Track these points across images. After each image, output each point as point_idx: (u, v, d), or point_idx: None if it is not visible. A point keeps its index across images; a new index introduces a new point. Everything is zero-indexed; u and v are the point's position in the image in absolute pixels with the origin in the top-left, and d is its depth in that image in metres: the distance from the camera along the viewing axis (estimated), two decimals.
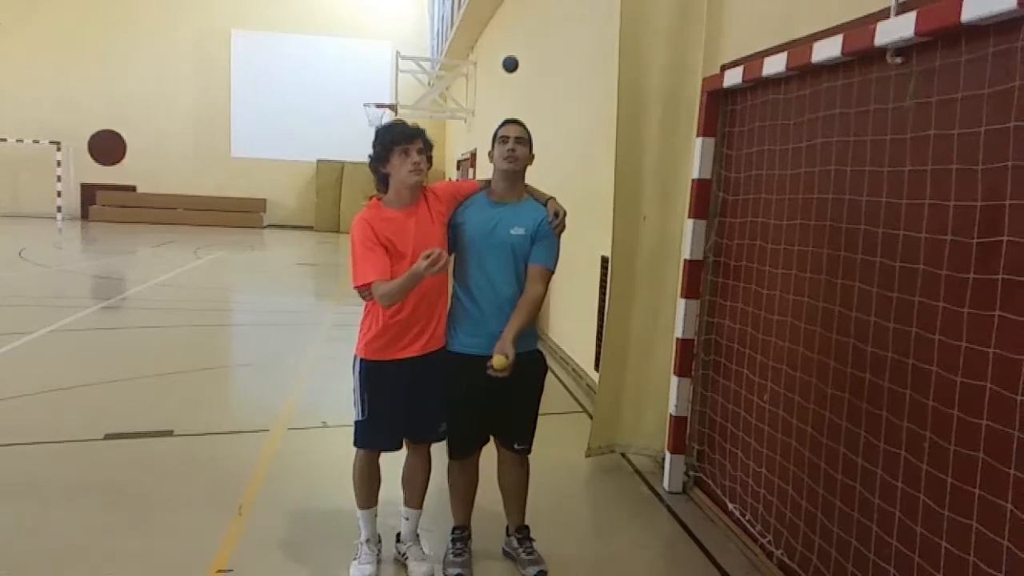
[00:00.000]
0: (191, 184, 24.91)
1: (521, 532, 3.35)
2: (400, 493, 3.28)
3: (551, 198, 3.17)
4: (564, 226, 3.12)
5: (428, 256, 2.68)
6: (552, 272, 3.12)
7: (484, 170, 12.26)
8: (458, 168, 18.82)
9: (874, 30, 2.58)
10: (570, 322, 7.36)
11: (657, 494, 4.24)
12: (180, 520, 3.63)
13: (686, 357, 4.14)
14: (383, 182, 3.00)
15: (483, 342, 3.05)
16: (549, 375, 3.31)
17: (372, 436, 3.10)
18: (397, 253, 2.93)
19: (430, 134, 3.08)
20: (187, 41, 24.77)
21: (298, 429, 5.11)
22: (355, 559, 3.20)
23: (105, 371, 6.31)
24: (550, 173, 5.92)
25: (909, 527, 2.49)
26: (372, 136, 3.02)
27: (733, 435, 3.77)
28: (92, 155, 24.86)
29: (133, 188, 24.95)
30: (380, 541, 3.30)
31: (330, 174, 24.42)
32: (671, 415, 4.21)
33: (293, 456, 4.60)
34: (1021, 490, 2.06)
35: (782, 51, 3.21)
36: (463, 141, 18.27)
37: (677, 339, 4.15)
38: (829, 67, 2.99)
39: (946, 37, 2.37)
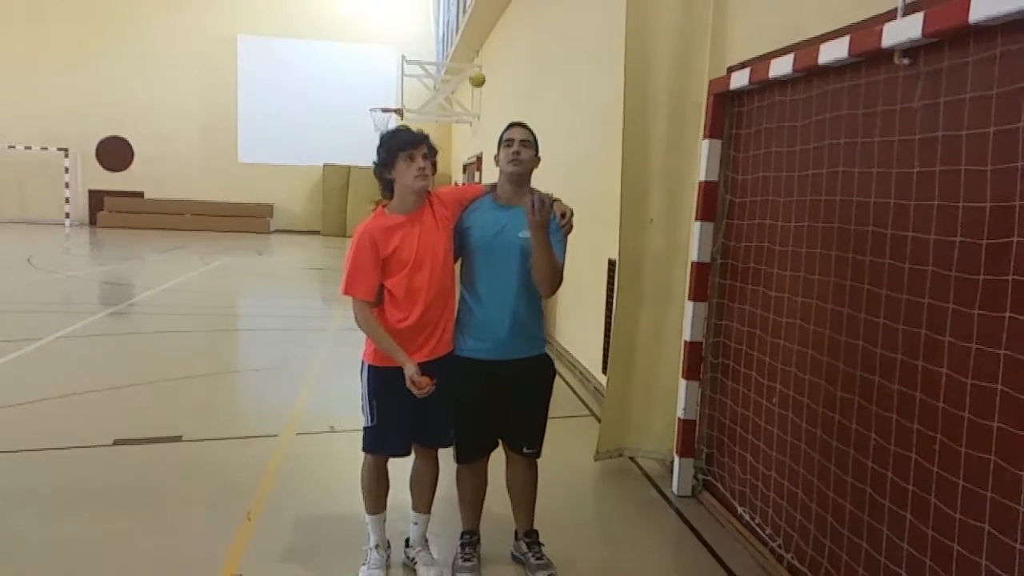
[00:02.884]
0: (198, 189, 25.05)
1: (530, 536, 3.35)
2: (408, 498, 3.28)
3: (557, 199, 3.16)
4: (572, 226, 3.10)
5: (414, 383, 2.85)
6: (560, 267, 3.04)
7: (490, 173, 12.26)
8: (464, 172, 18.85)
9: (881, 31, 2.57)
10: (577, 325, 7.35)
11: (666, 498, 4.23)
12: (189, 525, 3.64)
13: (694, 360, 4.13)
14: (388, 188, 2.99)
15: (490, 346, 3.05)
16: (556, 378, 3.31)
17: (381, 442, 3.09)
18: (401, 260, 2.93)
19: (435, 138, 3.07)
20: (193, 47, 24.91)
21: (306, 434, 5.11)
22: (364, 564, 3.20)
23: (114, 377, 6.34)
24: (556, 176, 5.91)
25: (920, 530, 2.48)
26: (378, 141, 3.01)
27: (742, 438, 3.76)
28: (100, 161, 25.03)
29: (141, 194, 25.10)
30: (389, 546, 3.30)
31: (336, 179, 24.49)
32: (679, 418, 4.20)
33: (302, 461, 4.61)
34: None
35: (789, 53, 3.20)
36: (468, 145, 18.29)
37: (685, 342, 4.14)
38: (836, 69, 2.98)
39: (954, 38, 2.36)
